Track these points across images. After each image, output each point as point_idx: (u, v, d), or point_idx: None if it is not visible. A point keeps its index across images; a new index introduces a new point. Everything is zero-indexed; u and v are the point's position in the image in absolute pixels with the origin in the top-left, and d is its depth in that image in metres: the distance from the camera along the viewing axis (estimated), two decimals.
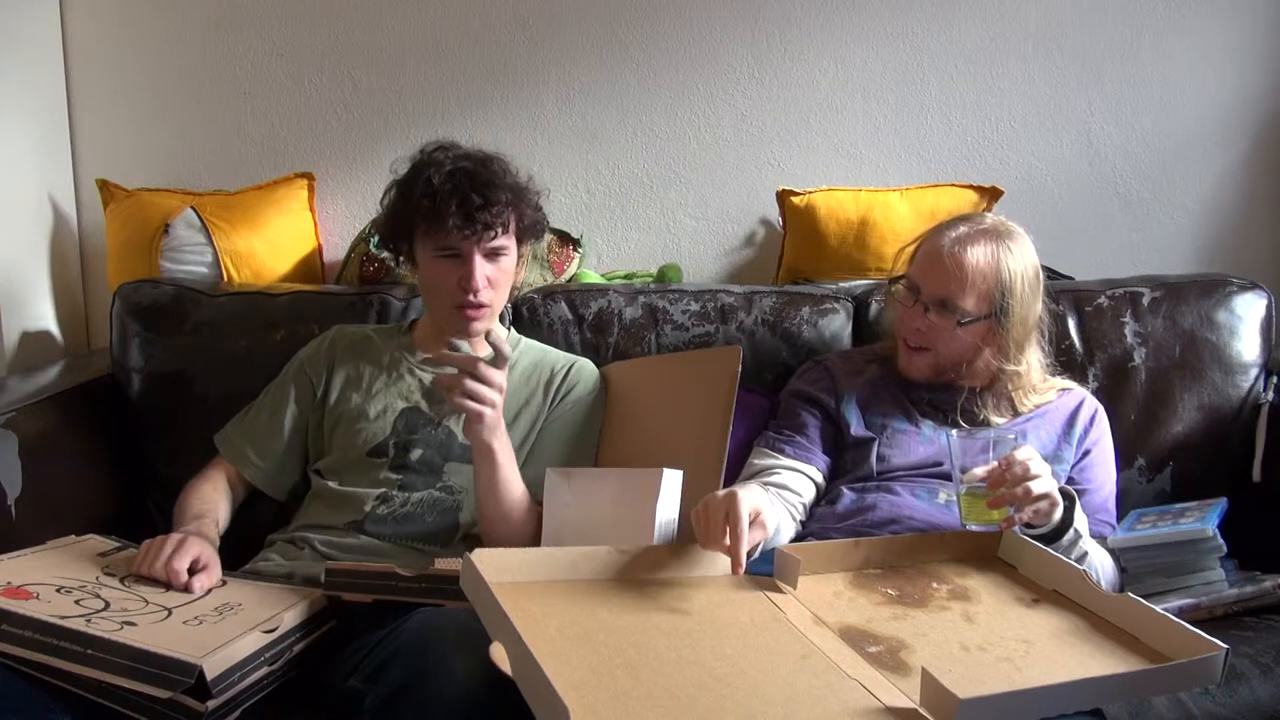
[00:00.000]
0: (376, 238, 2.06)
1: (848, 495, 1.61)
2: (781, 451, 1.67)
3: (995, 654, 1.13)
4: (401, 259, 1.74)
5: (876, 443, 1.64)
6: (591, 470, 1.68)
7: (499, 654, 0.98)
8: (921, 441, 1.65)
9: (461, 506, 1.64)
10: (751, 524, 1.24)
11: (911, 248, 1.72)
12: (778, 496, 1.56)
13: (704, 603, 1.19)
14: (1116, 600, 1.21)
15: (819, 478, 1.65)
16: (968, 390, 1.66)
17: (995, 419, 1.64)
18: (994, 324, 1.60)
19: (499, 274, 1.65)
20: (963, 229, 1.62)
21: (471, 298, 1.63)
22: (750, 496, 1.26)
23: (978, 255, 1.59)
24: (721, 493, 1.26)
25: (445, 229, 1.60)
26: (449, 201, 1.59)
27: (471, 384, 1.44)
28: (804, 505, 1.62)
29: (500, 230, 1.63)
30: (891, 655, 1.11)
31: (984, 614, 1.22)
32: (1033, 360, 1.65)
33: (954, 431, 1.43)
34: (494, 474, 1.53)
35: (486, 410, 1.46)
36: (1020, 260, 1.61)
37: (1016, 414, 1.65)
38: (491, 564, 1.14)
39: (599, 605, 1.15)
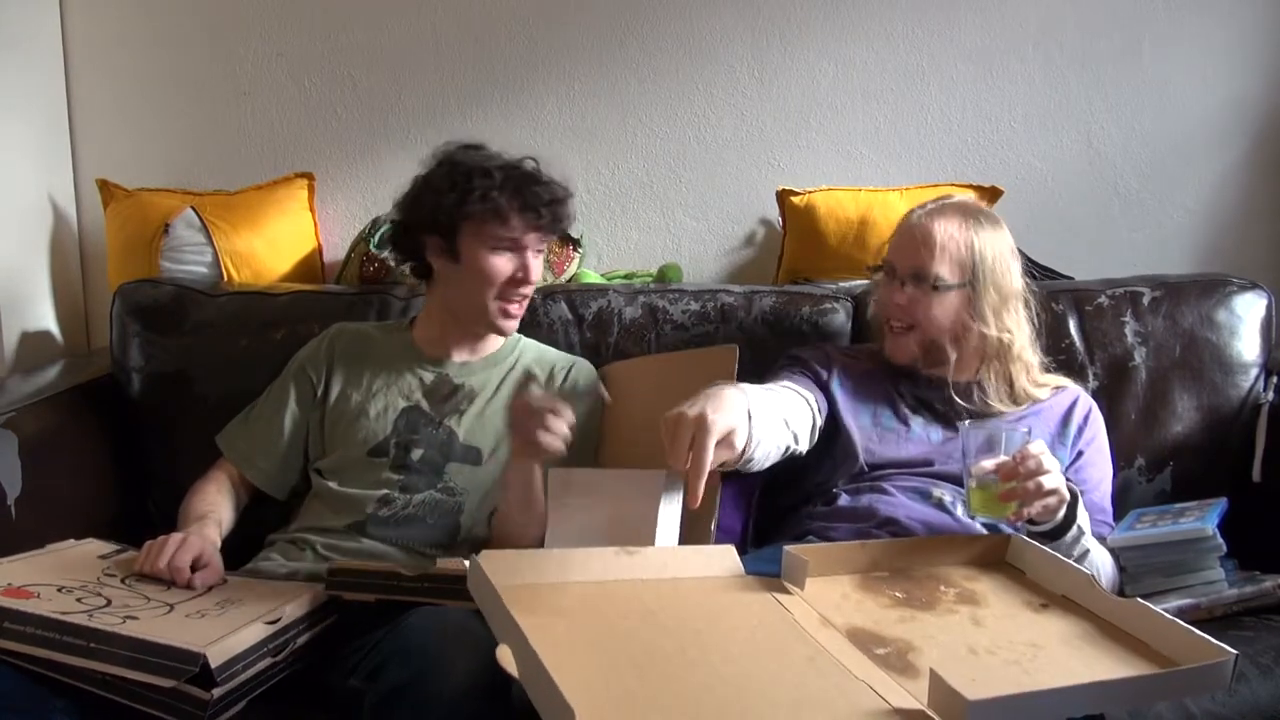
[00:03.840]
0: (382, 233, 2.06)
1: (844, 497, 1.62)
2: (780, 378, 1.65)
3: (1003, 657, 1.12)
4: (420, 253, 1.71)
5: (866, 436, 1.64)
6: (593, 470, 1.68)
7: (505, 656, 0.98)
8: (911, 439, 1.65)
9: (463, 509, 1.63)
10: (719, 444, 1.21)
11: (888, 240, 1.74)
12: (771, 405, 1.46)
13: (710, 604, 1.18)
14: (1126, 605, 1.20)
15: (814, 405, 1.60)
16: (959, 384, 1.65)
17: (997, 406, 1.63)
18: (969, 292, 1.62)
19: (539, 269, 1.70)
20: (931, 205, 1.67)
21: (524, 289, 1.66)
22: (726, 418, 1.23)
23: (945, 223, 1.62)
24: (694, 412, 1.21)
25: (512, 222, 1.62)
26: (521, 194, 1.62)
27: (561, 425, 1.47)
28: (798, 410, 1.54)
29: (558, 226, 1.69)
30: (899, 657, 1.11)
31: (992, 617, 1.22)
32: (1022, 336, 1.65)
33: (966, 423, 1.44)
34: (530, 493, 1.55)
35: (562, 448, 1.48)
36: (989, 230, 1.64)
37: (1016, 403, 1.65)
38: (498, 566, 1.13)
39: (605, 606, 1.15)
